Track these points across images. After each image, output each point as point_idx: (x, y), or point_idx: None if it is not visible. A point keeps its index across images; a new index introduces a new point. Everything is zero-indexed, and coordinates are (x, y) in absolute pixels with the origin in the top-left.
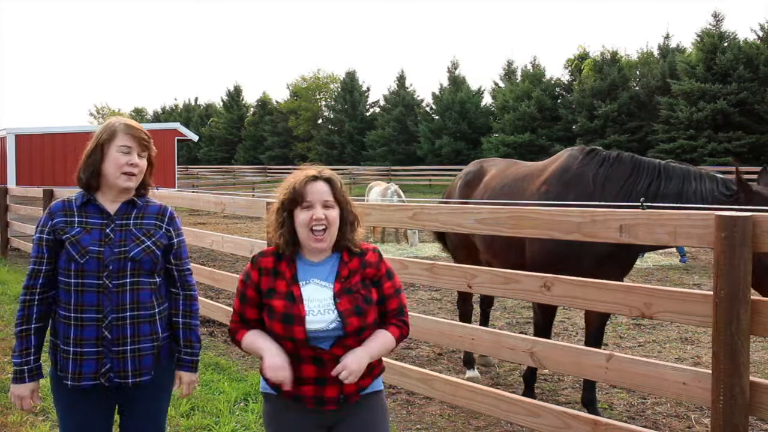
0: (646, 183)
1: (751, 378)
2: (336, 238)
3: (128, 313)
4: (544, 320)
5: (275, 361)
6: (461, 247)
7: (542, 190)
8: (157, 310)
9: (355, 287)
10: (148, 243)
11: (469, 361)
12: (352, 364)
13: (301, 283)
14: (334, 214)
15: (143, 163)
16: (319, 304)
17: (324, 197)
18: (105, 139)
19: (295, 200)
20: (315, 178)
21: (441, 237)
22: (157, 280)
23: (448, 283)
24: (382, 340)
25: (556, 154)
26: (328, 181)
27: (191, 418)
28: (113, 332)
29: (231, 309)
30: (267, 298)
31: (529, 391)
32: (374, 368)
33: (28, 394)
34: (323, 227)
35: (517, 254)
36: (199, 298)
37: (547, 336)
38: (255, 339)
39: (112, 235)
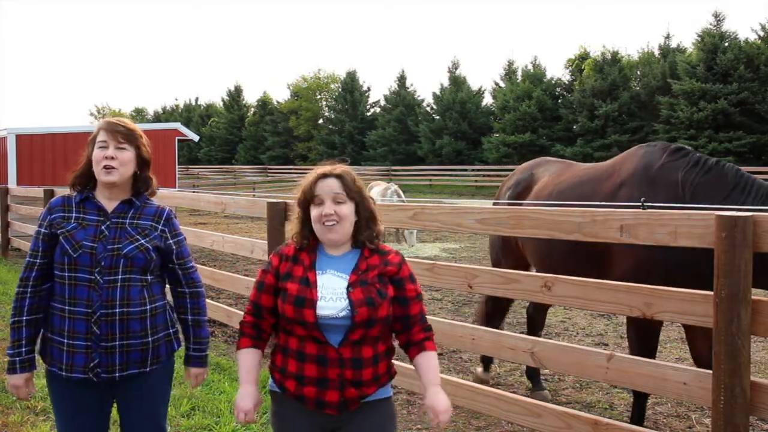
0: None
1: (752, 378)
2: (352, 232)
3: (117, 310)
4: (641, 346)
5: (243, 404)
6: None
7: (621, 193)
8: (148, 307)
9: (371, 280)
10: (142, 241)
11: (485, 361)
12: (441, 405)
13: (318, 271)
14: (346, 209)
15: (124, 155)
16: (332, 292)
17: (334, 192)
18: (90, 141)
19: (307, 199)
20: (324, 175)
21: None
22: (149, 278)
23: (448, 283)
24: (434, 364)
25: (625, 152)
26: (339, 177)
27: (192, 418)
28: (102, 328)
29: (231, 309)
30: (283, 281)
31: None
32: (380, 377)
33: (22, 383)
34: (333, 222)
35: (584, 269)
36: None
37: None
38: (244, 365)
39: (106, 232)
